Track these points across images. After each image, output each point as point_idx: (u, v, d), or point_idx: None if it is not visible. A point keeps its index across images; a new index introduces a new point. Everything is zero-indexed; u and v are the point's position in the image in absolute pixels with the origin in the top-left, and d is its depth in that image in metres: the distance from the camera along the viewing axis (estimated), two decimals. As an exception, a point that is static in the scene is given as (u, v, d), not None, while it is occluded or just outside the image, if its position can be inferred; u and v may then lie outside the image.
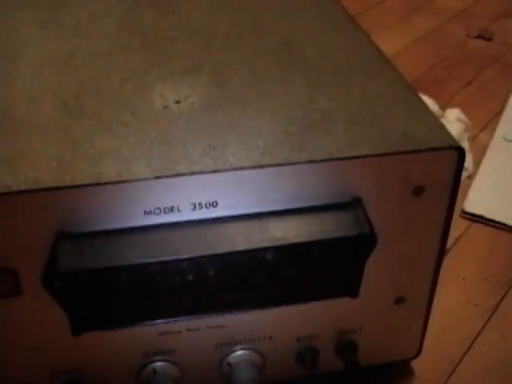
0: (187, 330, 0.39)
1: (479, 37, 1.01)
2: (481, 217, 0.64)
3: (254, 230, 0.35)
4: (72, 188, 0.33)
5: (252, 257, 0.36)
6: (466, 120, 0.76)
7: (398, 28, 1.03)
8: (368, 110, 0.39)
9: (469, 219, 0.64)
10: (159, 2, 0.51)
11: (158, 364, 0.40)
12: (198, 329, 0.39)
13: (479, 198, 0.67)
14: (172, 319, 0.38)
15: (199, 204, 0.35)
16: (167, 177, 0.34)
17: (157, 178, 0.33)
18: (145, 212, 0.34)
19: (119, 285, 0.36)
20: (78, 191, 0.33)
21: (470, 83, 0.89)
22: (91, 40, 0.45)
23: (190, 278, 0.37)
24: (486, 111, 0.82)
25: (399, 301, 0.42)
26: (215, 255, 0.35)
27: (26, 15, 0.48)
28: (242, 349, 0.41)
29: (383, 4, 1.11)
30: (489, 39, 1.00)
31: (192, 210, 0.35)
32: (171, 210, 0.35)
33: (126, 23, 0.48)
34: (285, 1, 0.52)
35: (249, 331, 0.40)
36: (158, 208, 0.34)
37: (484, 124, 0.80)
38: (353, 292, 0.39)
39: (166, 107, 0.39)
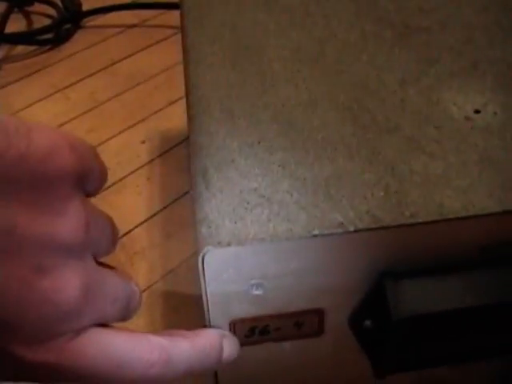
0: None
1: None
2: None
3: None
4: (413, 226, 0.28)
5: None
6: None
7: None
8: None
9: None
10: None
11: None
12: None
13: None
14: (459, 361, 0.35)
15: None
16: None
17: (506, 212, 0.29)
18: (479, 248, 0.30)
19: (435, 329, 0.32)
20: (418, 229, 0.29)
21: None
22: (332, 28, 0.40)
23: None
24: None
25: None
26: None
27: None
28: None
29: None
30: None
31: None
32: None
33: (361, 7, 0.42)
34: None
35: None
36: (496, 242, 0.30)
37: None
38: None
39: (467, 118, 0.34)
